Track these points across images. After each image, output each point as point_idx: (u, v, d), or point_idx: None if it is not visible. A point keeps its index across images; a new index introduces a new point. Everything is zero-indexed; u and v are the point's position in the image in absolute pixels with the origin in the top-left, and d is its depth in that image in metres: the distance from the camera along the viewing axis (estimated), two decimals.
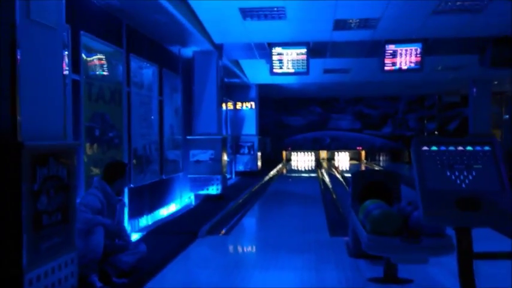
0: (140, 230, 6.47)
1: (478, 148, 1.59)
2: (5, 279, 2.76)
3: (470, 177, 1.53)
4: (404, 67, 9.13)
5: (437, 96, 20.63)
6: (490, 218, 1.53)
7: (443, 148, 1.58)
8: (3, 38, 2.89)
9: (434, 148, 1.58)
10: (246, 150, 15.03)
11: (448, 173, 1.54)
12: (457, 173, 1.54)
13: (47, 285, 2.99)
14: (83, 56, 5.15)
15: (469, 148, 1.59)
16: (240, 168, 14.96)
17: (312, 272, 4.54)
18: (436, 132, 20.93)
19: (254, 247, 6.31)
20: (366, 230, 3.48)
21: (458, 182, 1.53)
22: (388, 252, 3.24)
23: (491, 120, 16.05)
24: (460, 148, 1.59)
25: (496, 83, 15.03)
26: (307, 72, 9.35)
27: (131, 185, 6.38)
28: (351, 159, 22.02)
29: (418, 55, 9.05)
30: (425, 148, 1.59)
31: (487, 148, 1.61)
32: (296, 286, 4.17)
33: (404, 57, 9.08)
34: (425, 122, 21.46)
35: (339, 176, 14.65)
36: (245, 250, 6.17)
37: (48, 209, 3.06)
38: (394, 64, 9.15)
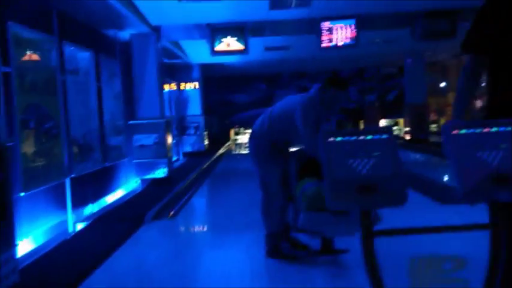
0: (85, 219, 6.44)
1: (377, 137, 1.77)
2: None
3: (369, 164, 1.70)
4: (340, 43, 9.41)
5: (376, 68, 21.31)
6: (387, 199, 1.72)
7: (347, 138, 1.75)
8: None
9: (339, 139, 1.75)
10: (192, 131, 15.03)
11: (350, 161, 1.71)
12: (358, 161, 1.71)
13: None
14: (13, 46, 4.99)
15: (369, 137, 1.77)
16: (187, 149, 14.97)
17: (257, 247, 4.71)
18: (376, 104, 21.68)
19: (201, 227, 6.46)
20: (301, 208, 3.68)
21: (359, 169, 1.70)
22: (321, 227, 3.46)
23: (428, 89, 16.86)
24: (362, 138, 1.76)
25: (428, 53, 15.71)
26: (246, 51, 9.45)
27: (72, 175, 6.32)
28: None
29: (352, 31, 9.33)
30: (331, 139, 1.75)
31: (384, 136, 1.80)
32: (244, 264, 4.33)
33: (340, 34, 9.34)
34: (365, 94, 22.16)
35: None
36: (192, 231, 6.30)
37: None
38: (330, 41, 9.40)
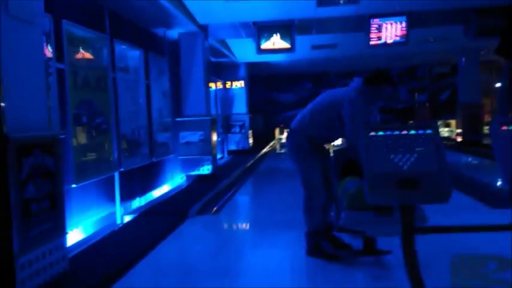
0: (132, 212, 6.63)
1: (421, 132, 1.72)
2: None
3: (412, 159, 1.66)
4: (389, 41, 9.20)
5: (428, 67, 20.68)
6: (429, 196, 1.67)
7: (388, 133, 1.71)
8: None
9: (380, 133, 1.71)
10: (238, 129, 15.13)
11: (392, 156, 1.67)
12: (400, 156, 1.67)
13: (38, 269, 3.14)
14: (67, 44, 5.20)
15: (412, 132, 1.72)
16: (232, 147, 15.09)
17: (299, 246, 4.69)
18: (427, 104, 21.06)
19: (244, 224, 6.50)
20: (342, 206, 3.63)
21: (400, 164, 1.66)
22: (362, 226, 3.40)
23: (481, 89, 16.21)
24: (404, 132, 1.72)
25: (483, 52, 15.11)
26: (293, 50, 9.42)
27: (121, 169, 6.51)
28: None
29: (403, 28, 9.11)
30: (372, 133, 1.72)
31: (428, 131, 1.74)
32: (285, 261, 4.33)
33: (390, 31, 9.13)
34: (416, 93, 21.56)
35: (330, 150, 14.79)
36: (235, 227, 6.35)
37: (36, 196, 3.19)
38: (379, 38, 9.21)
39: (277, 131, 21.97)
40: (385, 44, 9.35)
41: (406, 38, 9.24)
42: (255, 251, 4.78)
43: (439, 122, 19.19)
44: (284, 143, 19.63)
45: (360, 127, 3.77)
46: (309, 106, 4.26)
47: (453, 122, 17.74)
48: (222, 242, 5.26)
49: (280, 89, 21.85)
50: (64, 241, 3.49)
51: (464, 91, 15.53)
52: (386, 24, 9.20)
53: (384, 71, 4.32)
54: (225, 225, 6.32)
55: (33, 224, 3.13)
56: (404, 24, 9.17)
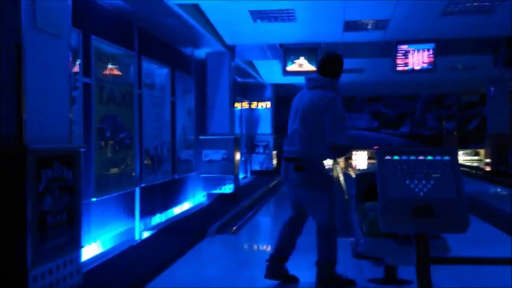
0: (152, 229, 6.63)
1: (438, 158, 1.66)
2: (10, 276, 2.91)
3: (428, 186, 1.59)
4: (416, 67, 9.11)
5: (456, 95, 20.42)
6: (445, 224, 1.60)
7: (404, 158, 1.65)
8: (9, 45, 3.04)
9: (396, 158, 1.66)
10: (262, 150, 15.12)
11: (408, 182, 1.61)
12: (415, 182, 1.61)
13: (51, 282, 3.14)
14: (94, 59, 5.31)
15: (429, 158, 1.66)
16: (256, 167, 15.06)
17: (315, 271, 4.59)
18: (455, 133, 20.71)
19: (262, 245, 6.41)
20: (362, 232, 3.54)
21: (416, 190, 1.60)
22: (382, 254, 3.30)
23: (511, 119, 15.89)
24: (421, 158, 1.66)
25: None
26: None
27: (143, 184, 6.54)
28: (369, 158, 21.89)
29: (430, 55, 9.01)
30: (388, 157, 1.66)
31: (446, 158, 1.68)
32: (300, 285, 4.23)
33: (417, 58, 9.05)
34: (443, 121, 21.25)
35: (354, 176, 14.62)
36: (253, 248, 6.28)
37: (53, 209, 3.21)
38: (406, 64, 9.12)
39: None
40: (412, 70, 9.25)
41: (434, 65, 9.13)
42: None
43: (468, 151, 18.82)
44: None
45: (343, 125, 3.90)
46: (295, 132, 4.14)
47: (482, 151, 17.39)
48: (239, 262, 5.19)
49: None
50: (79, 255, 3.49)
51: (493, 121, 15.26)
52: (414, 50, 9.13)
53: (333, 56, 4.19)
54: (244, 245, 6.25)
55: (49, 237, 3.14)
56: (431, 51, 9.07)
